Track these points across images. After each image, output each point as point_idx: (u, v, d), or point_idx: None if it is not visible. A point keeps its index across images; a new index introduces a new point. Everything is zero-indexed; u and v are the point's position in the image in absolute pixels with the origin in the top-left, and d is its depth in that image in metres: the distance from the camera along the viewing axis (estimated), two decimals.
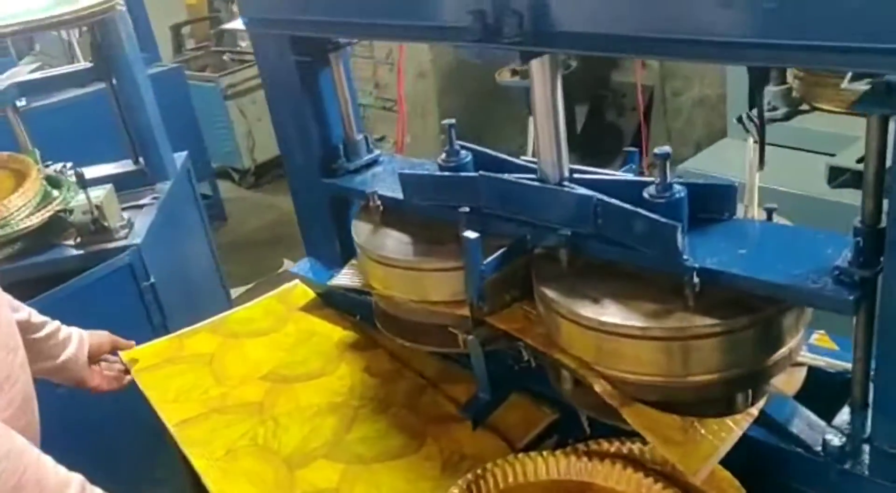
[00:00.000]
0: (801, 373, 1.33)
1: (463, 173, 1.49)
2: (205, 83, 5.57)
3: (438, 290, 1.48)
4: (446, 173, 1.51)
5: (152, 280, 2.55)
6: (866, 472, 1.19)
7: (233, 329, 1.95)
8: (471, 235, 1.30)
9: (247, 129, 5.69)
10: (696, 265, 1.18)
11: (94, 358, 1.78)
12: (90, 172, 2.50)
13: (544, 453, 1.35)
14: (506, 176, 1.40)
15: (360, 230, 1.62)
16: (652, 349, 1.19)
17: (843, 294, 1.09)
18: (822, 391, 1.33)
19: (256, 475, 1.50)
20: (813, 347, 1.40)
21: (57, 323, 1.69)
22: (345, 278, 1.77)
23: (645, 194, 1.25)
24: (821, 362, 1.36)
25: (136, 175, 2.89)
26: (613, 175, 1.39)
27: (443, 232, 1.48)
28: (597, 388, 1.25)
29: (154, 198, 2.81)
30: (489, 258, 1.33)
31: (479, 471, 1.33)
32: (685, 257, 1.18)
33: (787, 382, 1.31)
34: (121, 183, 2.71)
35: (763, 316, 1.17)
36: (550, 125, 1.34)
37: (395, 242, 1.55)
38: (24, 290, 1.73)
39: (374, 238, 1.58)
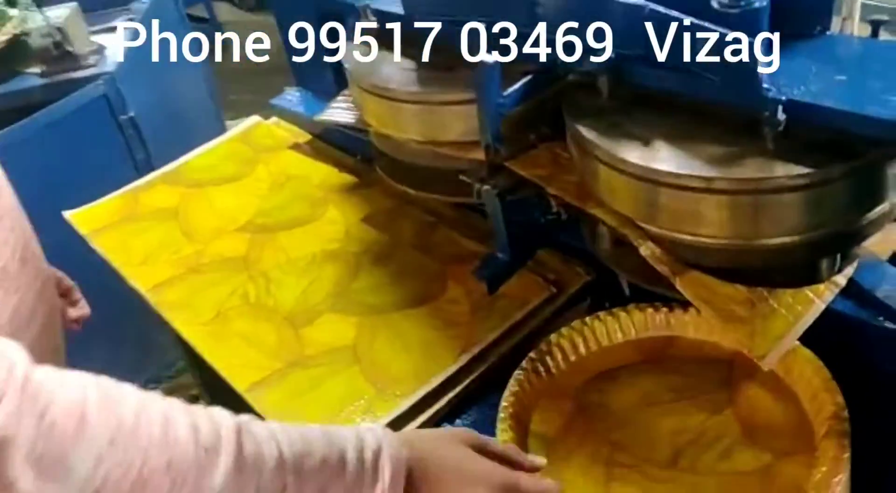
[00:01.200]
0: None
1: None
2: None
3: (446, 128, 1.22)
4: None
5: (131, 113, 2.29)
6: None
7: (194, 178, 1.73)
8: (488, 57, 1.02)
9: None
10: (781, 97, 0.89)
11: None
12: None
13: (614, 310, 1.15)
14: None
15: (351, 55, 1.34)
16: (719, 206, 0.93)
17: None
18: None
19: (256, 337, 1.31)
20: None
21: None
22: (337, 111, 1.48)
23: (714, 3, 0.95)
24: None
25: None
26: None
27: (453, 57, 1.20)
28: (643, 252, 1.01)
29: (129, 19, 2.49)
30: (510, 89, 1.06)
31: (542, 346, 1.13)
32: (766, 86, 0.89)
33: (881, 242, 1.05)
34: (88, 2, 2.38)
35: (864, 163, 0.90)
36: None
37: (392, 70, 1.27)
38: None
39: (367, 65, 1.30)
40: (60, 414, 0.64)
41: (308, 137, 1.76)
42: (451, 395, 1.15)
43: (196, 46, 3.07)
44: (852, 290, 1.02)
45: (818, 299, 0.98)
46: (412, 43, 1.28)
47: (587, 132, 1.02)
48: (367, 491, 0.78)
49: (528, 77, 1.08)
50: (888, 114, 0.84)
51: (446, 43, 1.21)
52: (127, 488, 0.66)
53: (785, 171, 0.89)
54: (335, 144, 1.70)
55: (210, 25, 4.76)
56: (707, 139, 0.95)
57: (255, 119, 1.82)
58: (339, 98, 1.51)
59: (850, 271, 1.01)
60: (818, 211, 0.92)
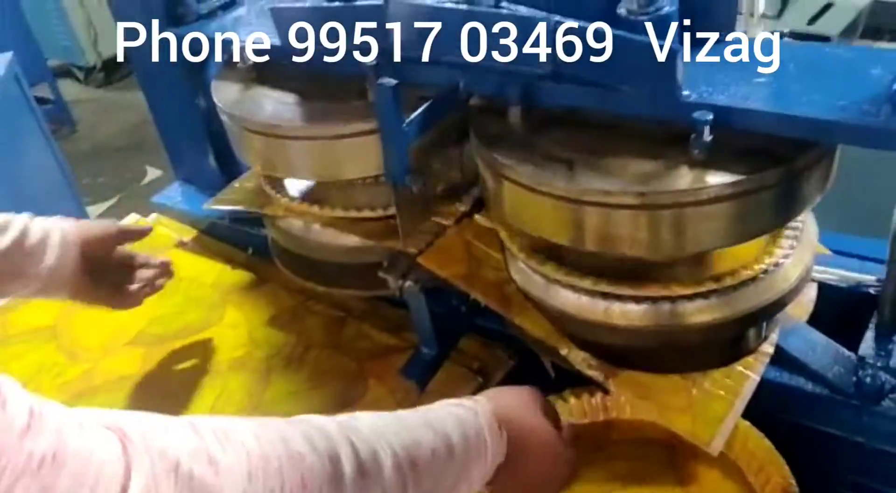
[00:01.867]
0: (812, 292, 1.10)
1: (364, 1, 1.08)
2: None
3: (346, 164, 1.13)
4: (339, 3, 1.09)
5: None
6: None
7: None
8: (386, 82, 0.95)
9: (86, 17, 4.99)
10: (704, 101, 0.86)
11: (97, 260, 1.21)
12: None
13: (548, 398, 1.07)
14: (421, 1, 1.02)
15: (225, 92, 1.20)
16: (651, 221, 0.88)
17: None
18: (833, 311, 1.10)
19: None
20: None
21: (20, 220, 1.13)
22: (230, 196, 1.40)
23: (621, 11, 0.91)
24: (831, 275, 1.13)
25: None
26: None
27: (341, 88, 1.12)
28: (572, 358, 1.02)
29: None
30: (412, 115, 0.98)
31: None
32: (686, 92, 0.87)
33: (797, 304, 1.07)
34: None
35: (796, 168, 0.87)
36: None
37: (277, 105, 1.15)
38: None
39: (246, 101, 1.17)
40: (192, 462, 0.61)
41: (193, 232, 1.65)
42: None
43: (44, 131, 2.89)
44: (780, 356, 1.03)
45: (751, 373, 0.99)
46: (292, 76, 1.19)
47: (502, 157, 0.95)
48: (474, 469, 0.81)
49: (430, 101, 1.01)
50: (816, 113, 0.82)
51: (331, 75, 1.13)
52: None
53: (718, 179, 0.85)
54: (224, 239, 1.60)
55: (56, 106, 4.52)
56: (630, 154, 0.90)
57: (132, 218, 1.70)
58: (234, 183, 1.43)
59: (774, 338, 1.03)
60: (752, 218, 0.90)
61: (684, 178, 0.86)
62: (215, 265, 1.56)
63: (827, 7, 1.98)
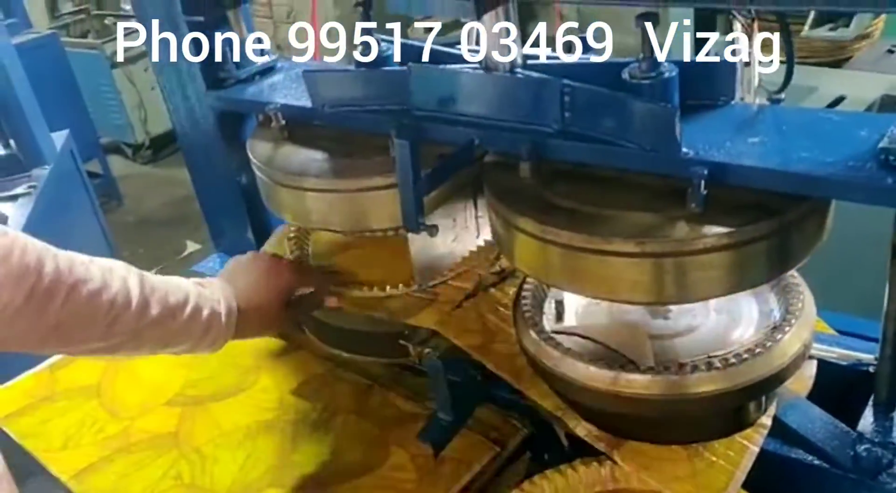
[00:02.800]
0: (811, 368, 1.15)
1: (386, 68, 1.21)
2: (87, 51, 5.08)
3: (370, 215, 1.23)
4: (364, 69, 1.22)
5: None
6: None
7: None
8: (401, 140, 1.05)
9: (137, 99, 5.27)
10: (701, 158, 0.93)
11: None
12: None
13: (561, 468, 1.13)
14: (442, 67, 1.14)
15: (259, 149, 1.32)
16: (652, 270, 0.95)
17: None
18: (833, 387, 1.15)
19: None
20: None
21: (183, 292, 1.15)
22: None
23: (625, 76, 0.99)
24: (830, 353, 1.18)
25: (7, 161, 2.53)
26: (579, 58, 1.12)
27: (366, 145, 1.22)
28: (579, 432, 1.07)
29: (31, 186, 2.47)
30: (427, 170, 1.07)
31: None
32: (685, 150, 0.94)
33: (797, 379, 1.12)
34: None
35: (787, 220, 0.94)
36: None
37: (305, 160, 1.26)
38: None
39: (277, 156, 1.29)
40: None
41: None
42: None
43: (94, 205, 3.05)
44: (778, 429, 1.07)
45: (750, 444, 1.03)
46: (321, 135, 1.29)
47: (511, 209, 1.03)
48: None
49: (444, 157, 1.10)
50: (806, 169, 0.89)
51: (357, 133, 1.23)
52: None
53: (713, 230, 0.91)
54: None
55: (105, 180, 4.72)
56: (632, 207, 0.97)
57: None
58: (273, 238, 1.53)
59: (773, 410, 1.08)
60: (747, 268, 0.95)
61: (680, 229, 0.92)
62: None
63: (839, 100, 2.06)
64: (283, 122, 1.30)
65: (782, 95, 1.04)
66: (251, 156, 1.31)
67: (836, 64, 2.71)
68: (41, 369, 1.61)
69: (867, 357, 1.17)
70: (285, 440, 1.37)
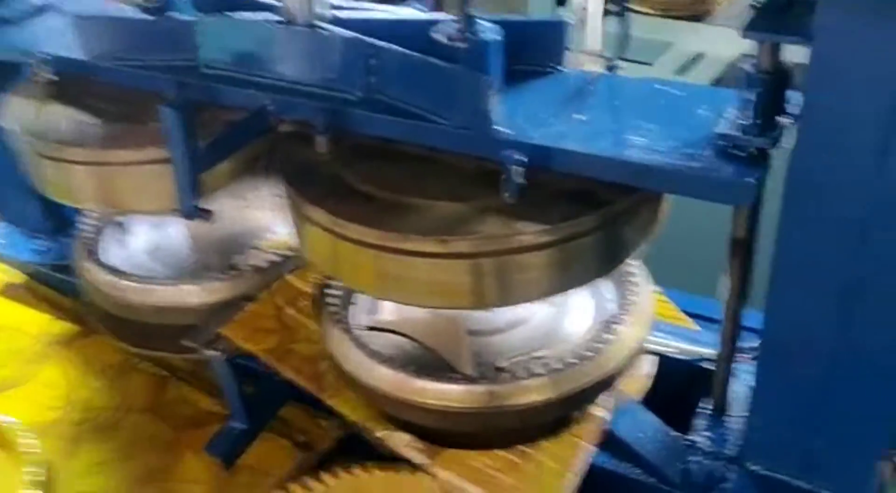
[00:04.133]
0: (650, 366, 1.04)
1: (173, 15, 0.99)
2: None
3: (135, 194, 1.02)
4: (148, 17, 1.00)
5: None
6: None
7: None
8: (170, 106, 0.85)
9: None
10: (517, 139, 0.79)
11: None
12: None
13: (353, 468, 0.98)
14: (234, 15, 0.96)
15: (16, 110, 1.09)
16: (456, 272, 0.80)
17: (742, 174, 0.73)
18: (671, 385, 1.04)
19: None
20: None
21: None
22: None
23: (437, 36, 0.83)
24: (672, 348, 1.06)
25: None
26: (390, 11, 0.95)
27: (146, 108, 0.99)
28: (392, 443, 0.93)
29: None
30: (209, 141, 0.90)
31: None
32: (498, 127, 0.79)
33: (634, 379, 1.01)
34: None
35: (615, 212, 0.81)
36: None
37: (70, 125, 1.04)
38: None
39: (39, 120, 1.06)
40: None
41: (23, 277, 1.50)
42: None
43: None
44: (611, 441, 0.96)
45: (583, 440, 0.91)
46: (96, 94, 1.08)
47: (303, 194, 0.86)
48: None
49: (231, 125, 0.92)
50: (637, 156, 0.76)
51: (138, 94, 1.02)
52: None
53: (529, 227, 0.77)
54: (52, 285, 1.46)
55: None
56: (439, 194, 0.82)
57: None
58: None
59: (609, 402, 0.95)
60: (568, 267, 0.82)
61: (490, 223, 0.78)
62: (40, 316, 1.41)
63: (697, 58, 1.95)
64: (52, 76, 1.08)
65: (619, 62, 0.90)
66: (4, 119, 1.08)
67: (697, 17, 2.61)
68: None
69: (708, 352, 1.05)
70: (65, 445, 1.18)
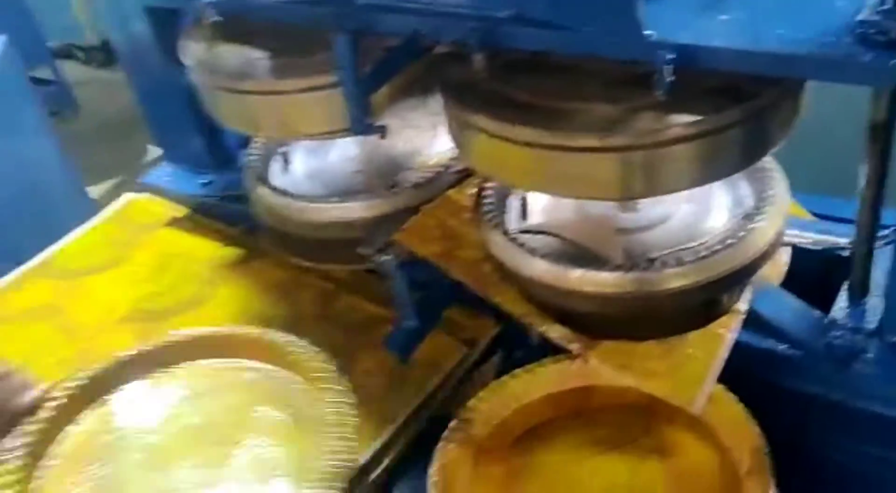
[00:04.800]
0: (785, 255, 1.10)
1: None
2: None
3: (309, 118, 1.13)
4: None
5: None
6: (877, 371, 0.98)
7: (67, 268, 1.58)
8: (342, 34, 0.95)
9: None
10: (666, 40, 0.84)
11: None
12: None
13: (529, 367, 1.09)
14: None
15: (192, 50, 1.21)
16: (613, 165, 0.88)
17: (884, 57, 0.77)
18: (807, 274, 1.10)
19: None
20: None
21: None
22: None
23: None
24: (805, 239, 1.13)
25: None
26: None
27: (308, 41, 1.11)
28: (551, 335, 1.02)
29: None
30: (372, 66, 1.00)
31: (463, 413, 1.07)
32: (648, 32, 0.85)
33: (771, 267, 1.07)
34: None
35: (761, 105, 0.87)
36: None
37: (241, 60, 1.15)
38: None
39: (212, 57, 1.18)
40: None
41: (185, 211, 1.66)
42: (373, 475, 1.10)
43: (38, 111, 2.88)
44: (751, 319, 1.03)
45: (726, 331, 0.99)
46: (260, 32, 1.19)
47: (467, 106, 0.95)
48: None
49: (391, 50, 1.01)
50: (780, 47, 0.81)
51: (297, 29, 1.12)
52: None
53: (682, 119, 0.84)
54: (216, 217, 1.60)
55: (58, 87, 4.50)
56: (595, 98, 0.89)
57: (127, 197, 1.70)
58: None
59: (748, 296, 1.03)
60: (717, 158, 0.89)
61: (643, 120, 0.85)
62: (208, 243, 1.56)
63: None
64: (218, 18, 1.18)
65: None
66: (183, 57, 1.20)
67: None
68: None
69: (842, 241, 1.12)
70: None
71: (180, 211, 1.65)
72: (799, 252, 1.12)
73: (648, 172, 0.89)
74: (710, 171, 0.90)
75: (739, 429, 0.98)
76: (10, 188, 2.41)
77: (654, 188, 0.91)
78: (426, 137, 1.28)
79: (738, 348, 1.00)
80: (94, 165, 3.88)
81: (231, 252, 1.53)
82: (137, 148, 4.08)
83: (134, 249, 1.58)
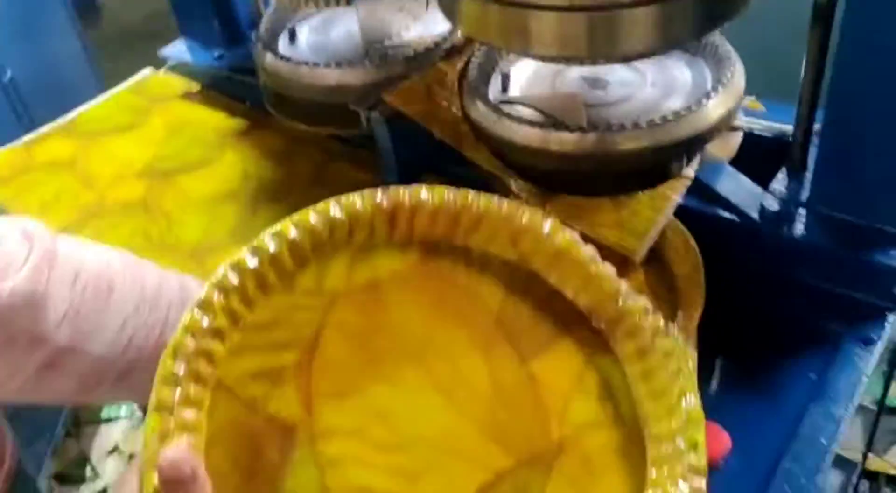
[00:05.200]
0: (737, 137, 1.21)
1: None
2: None
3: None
4: None
5: (10, 74, 2.23)
6: (803, 235, 1.10)
7: (88, 129, 1.75)
8: None
9: None
10: None
11: None
12: None
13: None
14: None
15: None
16: (578, 24, 0.96)
17: None
18: (756, 156, 1.21)
19: None
20: (746, 111, 1.26)
21: None
22: None
23: None
24: (757, 125, 1.23)
25: None
26: None
27: None
28: (514, 188, 1.13)
29: None
30: None
31: None
32: None
33: (722, 147, 1.18)
34: None
35: None
36: None
37: None
38: None
39: None
40: (92, 278, 0.69)
41: (198, 87, 1.79)
42: None
43: (70, 12, 2.98)
44: (698, 188, 1.14)
45: (673, 193, 1.10)
46: None
47: None
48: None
49: None
50: None
51: None
52: (151, 347, 0.71)
53: None
54: (226, 92, 1.75)
55: None
56: None
57: (145, 72, 1.83)
58: None
59: (695, 165, 1.14)
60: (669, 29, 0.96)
61: None
62: (217, 114, 1.72)
63: None
64: None
65: None
66: None
67: None
68: (17, 145, 1.67)
69: (790, 129, 1.22)
70: (247, 206, 1.48)
71: (193, 86, 1.78)
72: (750, 137, 1.23)
73: (612, 32, 0.98)
74: (663, 37, 0.99)
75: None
76: (34, 85, 2.53)
77: (617, 49, 1.00)
78: (421, 19, 1.39)
79: (683, 212, 1.12)
80: (115, 70, 4.00)
81: (237, 123, 1.67)
82: (158, 55, 4.20)
83: (150, 115, 1.73)
